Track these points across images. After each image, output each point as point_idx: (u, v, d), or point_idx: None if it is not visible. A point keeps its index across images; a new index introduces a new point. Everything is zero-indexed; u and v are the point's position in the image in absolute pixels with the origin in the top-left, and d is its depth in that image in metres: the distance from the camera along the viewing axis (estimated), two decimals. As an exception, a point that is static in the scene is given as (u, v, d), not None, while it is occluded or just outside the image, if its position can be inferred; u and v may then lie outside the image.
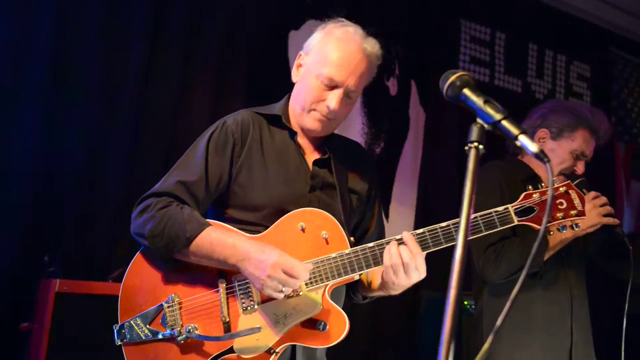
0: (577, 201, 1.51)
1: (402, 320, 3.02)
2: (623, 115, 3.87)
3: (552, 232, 1.54)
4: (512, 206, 1.45)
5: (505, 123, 0.99)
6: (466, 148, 0.98)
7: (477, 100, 1.03)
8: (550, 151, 2.04)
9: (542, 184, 1.52)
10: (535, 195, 1.47)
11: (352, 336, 3.01)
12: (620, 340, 1.92)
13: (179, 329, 1.42)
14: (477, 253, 1.95)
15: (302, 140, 1.57)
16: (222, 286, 1.44)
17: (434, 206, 3.23)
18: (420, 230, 1.42)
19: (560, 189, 1.52)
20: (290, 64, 2.92)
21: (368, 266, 1.43)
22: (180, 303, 1.45)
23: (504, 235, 1.91)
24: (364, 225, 1.65)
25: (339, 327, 1.41)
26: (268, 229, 1.47)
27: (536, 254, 1.84)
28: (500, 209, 1.44)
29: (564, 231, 1.53)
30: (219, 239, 1.41)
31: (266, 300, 1.43)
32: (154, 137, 2.57)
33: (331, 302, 1.43)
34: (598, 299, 2.19)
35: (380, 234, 1.66)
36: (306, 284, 1.42)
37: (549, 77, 3.63)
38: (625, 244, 1.89)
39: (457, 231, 1.38)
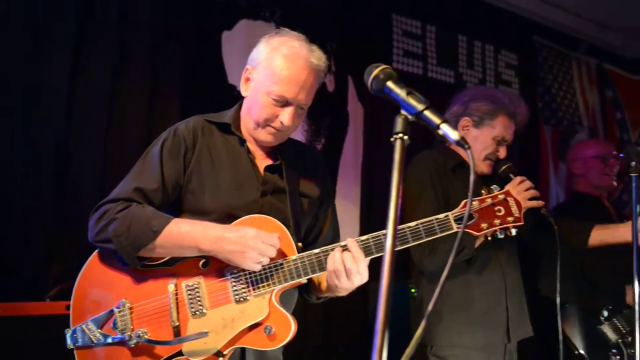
0: (514, 208, 1.58)
1: (354, 312, 3.06)
2: (549, 100, 4.08)
3: (489, 239, 1.59)
4: (452, 214, 1.52)
5: (427, 113, 1.02)
6: (391, 139, 1.00)
7: (400, 92, 1.06)
8: (474, 139, 2.13)
9: (483, 192, 1.60)
10: (475, 203, 1.55)
11: (306, 331, 3.03)
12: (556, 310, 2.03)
13: (129, 333, 1.46)
14: (414, 246, 2.01)
15: (252, 147, 1.62)
16: (171, 291, 1.48)
17: (378, 200, 3.28)
18: (364, 237, 1.49)
19: (499, 196, 1.58)
20: (226, 65, 2.89)
21: (313, 272, 1.49)
22: (131, 308, 1.49)
23: None
24: (317, 228, 1.71)
25: (285, 331, 1.47)
26: None
27: (466, 244, 1.91)
28: (441, 216, 1.52)
29: (502, 236, 1.59)
30: (187, 227, 1.45)
31: (215, 305, 1.48)
32: (85, 146, 2.47)
33: (278, 306, 1.48)
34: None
35: (335, 236, 1.73)
36: (254, 289, 1.48)
37: (479, 67, 3.77)
38: (551, 223, 1.99)
39: (401, 237, 1.47)
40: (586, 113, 4.33)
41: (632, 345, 2.67)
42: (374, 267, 1.44)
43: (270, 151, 1.64)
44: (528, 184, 1.94)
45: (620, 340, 2.72)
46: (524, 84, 3.97)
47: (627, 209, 4.37)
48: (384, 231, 1.45)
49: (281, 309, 1.48)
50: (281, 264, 1.48)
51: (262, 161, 1.62)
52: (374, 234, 1.48)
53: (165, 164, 1.54)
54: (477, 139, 2.13)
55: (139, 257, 1.47)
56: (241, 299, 1.47)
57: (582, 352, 2.75)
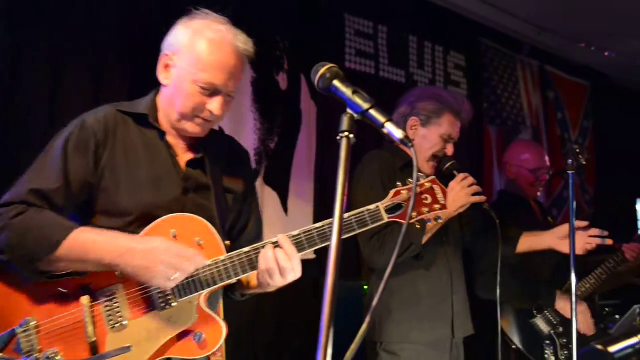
0: (440, 195, 1.60)
1: (307, 307, 3.07)
2: (494, 101, 4.22)
3: (418, 227, 1.62)
4: (383, 204, 1.52)
5: (372, 112, 1.04)
6: (338, 138, 1.01)
7: (347, 91, 1.07)
8: (423, 138, 2.19)
9: (409, 181, 1.60)
10: (404, 192, 1.55)
11: (257, 328, 3.01)
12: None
13: (36, 355, 1.29)
14: (363, 243, 2.06)
15: (172, 140, 1.50)
16: (86, 304, 1.33)
17: (332, 198, 3.29)
18: (296, 232, 1.43)
19: (426, 184, 1.59)
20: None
21: (244, 272, 1.41)
22: (37, 326, 1.31)
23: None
24: (241, 223, 1.63)
25: (216, 336, 1.38)
26: (138, 236, 1.38)
27: (414, 241, 1.94)
28: (371, 207, 1.51)
29: (429, 223, 1.64)
30: (92, 238, 1.31)
31: (137, 315, 1.34)
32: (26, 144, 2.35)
33: (207, 310, 1.39)
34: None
35: (258, 232, 1.67)
36: (179, 294, 1.37)
37: (429, 67, 3.86)
38: (494, 218, 2.07)
39: (331, 231, 1.44)
40: (530, 113, 4.51)
41: (564, 335, 2.83)
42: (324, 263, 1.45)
43: (191, 144, 1.52)
44: (471, 180, 2.00)
45: (552, 332, 2.87)
46: (472, 85, 4.09)
47: (554, 210, 4.61)
48: (315, 225, 1.44)
49: (210, 313, 1.40)
50: (209, 266, 1.38)
51: (183, 155, 1.50)
52: (305, 229, 1.44)
53: (70, 161, 1.37)
54: (425, 138, 2.19)
55: (41, 270, 1.31)
56: (166, 306, 1.36)
57: (519, 345, 2.88)
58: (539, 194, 3.18)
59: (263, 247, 1.41)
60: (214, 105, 1.43)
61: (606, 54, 4.48)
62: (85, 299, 1.34)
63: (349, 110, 1.05)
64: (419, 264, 2.11)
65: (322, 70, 1.10)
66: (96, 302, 1.35)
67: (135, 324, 1.34)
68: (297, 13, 3.26)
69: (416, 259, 2.08)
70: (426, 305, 2.11)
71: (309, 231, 1.44)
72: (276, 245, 1.41)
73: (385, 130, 1.02)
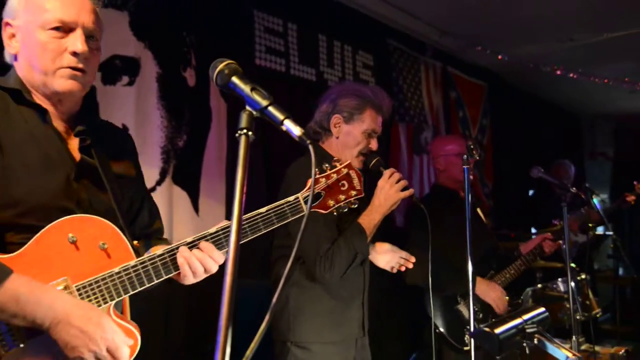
0: (356, 181, 1.60)
1: (216, 311, 3.01)
2: (402, 99, 4.40)
3: (335, 213, 1.63)
4: (301, 194, 1.50)
5: (271, 109, 1.03)
6: (236, 135, 1.00)
7: (245, 88, 1.06)
8: (347, 134, 2.22)
9: (326, 165, 1.59)
10: (322, 181, 1.54)
11: (169, 331, 2.90)
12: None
13: None
14: (311, 264, 2.04)
15: (56, 122, 1.36)
16: None
17: (244, 197, 3.26)
18: (213, 230, 1.39)
19: (342, 170, 1.58)
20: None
21: (159, 277, 1.33)
22: None
23: (333, 238, 2.04)
24: (134, 208, 1.54)
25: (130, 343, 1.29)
26: (28, 244, 1.23)
27: (359, 250, 1.94)
28: (290, 199, 1.49)
29: (345, 210, 1.63)
30: (28, 292, 1.15)
31: (35, 333, 1.19)
32: None
33: (117, 320, 1.29)
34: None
35: (152, 215, 1.58)
36: None
37: (339, 66, 3.93)
38: (422, 209, 2.15)
39: (251, 227, 1.42)
40: (430, 113, 4.75)
41: (483, 321, 3.05)
42: (243, 263, 1.42)
43: (73, 126, 1.38)
44: (397, 175, 2.05)
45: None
46: (380, 84, 4.22)
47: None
48: (228, 222, 1.40)
49: (121, 321, 1.30)
50: (118, 273, 1.28)
51: (70, 141, 1.37)
52: (222, 226, 1.40)
53: None
54: (349, 135, 2.20)
55: None
56: None
57: (442, 330, 3.04)
58: (471, 176, 3.34)
59: (177, 248, 1.35)
60: (73, 42, 1.28)
61: (499, 57, 4.82)
62: None
63: (248, 107, 1.04)
64: None
65: (221, 66, 1.08)
66: None
67: (34, 344, 1.20)
68: (204, 8, 3.18)
69: (361, 264, 2.13)
70: (338, 305, 2.15)
71: (225, 228, 1.39)
72: (192, 245, 1.36)
73: (284, 128, 1.02)
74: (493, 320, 2.93)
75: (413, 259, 2.20)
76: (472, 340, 1.86)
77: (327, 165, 1.58)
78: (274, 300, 0.92)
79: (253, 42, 3.40)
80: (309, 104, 2.46)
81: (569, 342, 2.76)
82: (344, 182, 1.57)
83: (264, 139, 3.31)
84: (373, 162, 2.18)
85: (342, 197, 1.56)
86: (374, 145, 2.25)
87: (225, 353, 0.80)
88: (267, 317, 0.89)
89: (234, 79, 1.07)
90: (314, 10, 3.79)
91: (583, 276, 3.35)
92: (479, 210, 3.33)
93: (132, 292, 1.31)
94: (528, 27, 4.41)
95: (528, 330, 1.51)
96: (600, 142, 8.11)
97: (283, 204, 1.47)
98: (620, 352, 3.22)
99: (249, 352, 0.85)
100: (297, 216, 1.48)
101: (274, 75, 3.47)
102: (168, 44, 2.98)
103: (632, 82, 5.15)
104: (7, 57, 1.37)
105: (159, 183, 2.94)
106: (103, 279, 1.27)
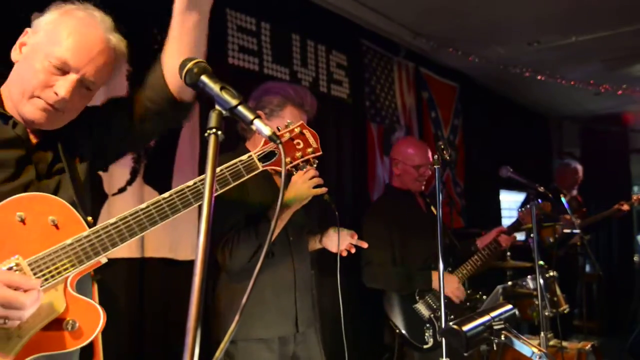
0: (312, 139, 1.64)
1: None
2: (374, 100, 4.43)
3: (294, 172, 1.66)
4: (255, 152, 1.53)
5: (241, 108, 1.03)
6: (206, 134, 1.00)
7: (215, 87, 1.05)
8: None
9: (279, 128, 1.66)
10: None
11: (143, 333, 2.84)
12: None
13: None
14: (216, 250, 2.08)
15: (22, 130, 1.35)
16: None
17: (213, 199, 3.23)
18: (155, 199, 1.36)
19: (295, 129, 1.63)
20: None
21: (114, 245, 1.28)
22: None
23: (232, 225, 2.06)
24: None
25: (92, 320, 1.25)
26: None
27: (262, 241, 1.96)
28: (244, 157, 1.51)
29: (304, 170, 1.70)
30: None
31: None
32: None
33: (77, 295, 1.26)
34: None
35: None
36: (40, 282, 1.22)
37: (313, 65, 3.93)
38: (333, 210, 2.18)
39: (194, 197, 1.38)
40: (403, 113, 4.79)
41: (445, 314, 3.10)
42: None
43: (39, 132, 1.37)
44: (312, 172, 2.05)
45: (432, 315, 3.11)
46: (354, 84, 4.24)
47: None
48: (163, 195, 1.37)
49: (82, 297, 1.27)
50: (71, 245, 1.24)
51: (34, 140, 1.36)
52: (174, 191, 1.39)
53: None
54: None
55: None
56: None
57: (402, 330, 3.08)
58: (422, 187, 3.43)
59: (131, 215, 1.30)
60: (61, 86, 1.29)
61: (470, 58, 4.90)
62: None
63: (217, 107, 1.03)
64: (264, 266, 2.15)
65: (190, 65, 1.08)
66: None
67: None
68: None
69: (267, 257, 2.14)
70: (271, 303, 2.18)
71: (181, 190, 1.38)
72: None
73: (254, 127, 1.02)
74: (452, 316, 3.00)
75: (365, 245, 2.25)
76: (443, 338, 1.88)
77: (289, 121, 1.66)
78: (244, 301, 0.92)
79: (226, 40, 3.37)
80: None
81: (537, 338, 2.82)
82: (299, 140, 1.61)
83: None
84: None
85: (298, 154, 1.60)
86: None
87: (194, 354, 0.80)
88: (237, 317, 0.89)
89: (203, 78, 1.07)
90: (287, 10, 3.78)
91: (552, 273, 3.44)
92: (432, 208, 3.40)
93: (87, 263, 1.27)
94: (497, 29, 4.50)
95: (495, 327, 1.54)
96: (567, 142, 8.33)
97: (237, 163, 1.48)
98: (587, 347, 3.31)
99: (219, 353, 0.84)
100: (252, 174, 1.50)
101: (247, 74, 3.44)
102: (138, 41, 2.92)
103: (597, 84, 5.29)
104: (12, 56, 1.37)
105: (129, 183, 2.89)
106: (55, 252, 1.24)
